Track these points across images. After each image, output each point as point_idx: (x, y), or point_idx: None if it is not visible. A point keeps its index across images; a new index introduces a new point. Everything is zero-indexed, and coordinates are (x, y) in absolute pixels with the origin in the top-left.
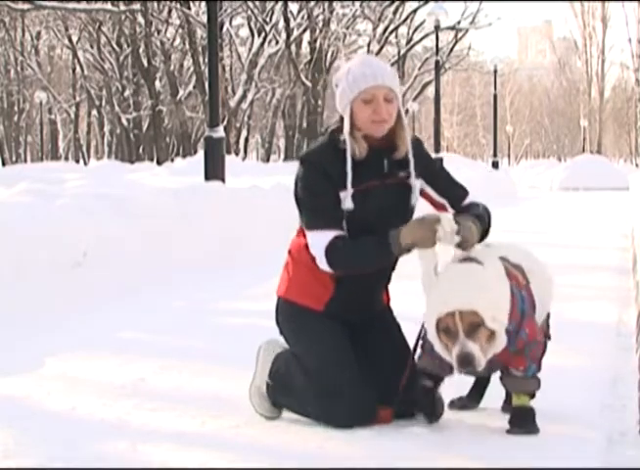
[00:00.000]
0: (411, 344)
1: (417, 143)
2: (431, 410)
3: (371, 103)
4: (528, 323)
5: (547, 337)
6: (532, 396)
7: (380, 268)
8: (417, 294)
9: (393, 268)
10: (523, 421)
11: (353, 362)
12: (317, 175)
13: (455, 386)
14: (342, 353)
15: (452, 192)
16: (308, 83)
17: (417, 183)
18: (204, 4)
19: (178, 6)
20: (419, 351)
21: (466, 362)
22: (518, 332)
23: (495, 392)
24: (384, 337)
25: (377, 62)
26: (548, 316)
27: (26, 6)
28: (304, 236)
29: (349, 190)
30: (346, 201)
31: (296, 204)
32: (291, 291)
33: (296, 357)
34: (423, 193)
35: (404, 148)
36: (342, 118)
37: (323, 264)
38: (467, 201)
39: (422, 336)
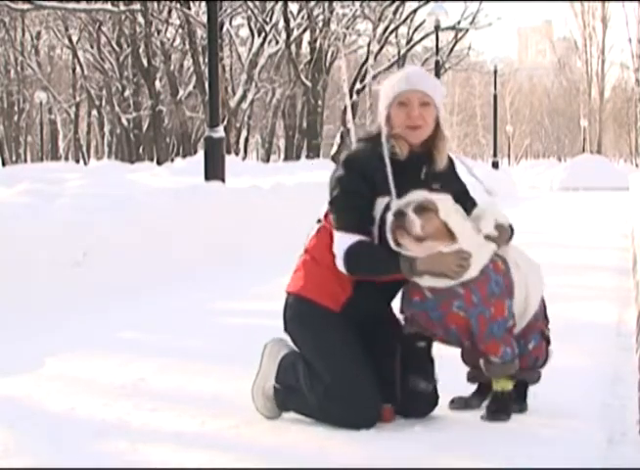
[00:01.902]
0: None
1: (450, 161)
2: (427, 372)
3: (406, 106)
4: (496, 304)
5: (545, 335)
6: (512, 377)
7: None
8: None
9: None
10: (498, 406)
11: (368, 373)
12: (357, 178)
13: (456, 385)
14: (358, 364)
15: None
16: (308, 83)
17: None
18: (204, 4)
19: (178, 6)
20: (402, 320)
21: (399, 217)
22: (482, 308)
23: None
24: (388, 335)
25: (417, 69)
26: (547, 318)
27: (26, 6)
28: (329, 236)
29: (394, 193)
30: (378, 208)
31: (329, 204)
32: (307, 288)
33: (304, 362)
34: None
35: (441, 161)
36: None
37: (340, 266)
38: None
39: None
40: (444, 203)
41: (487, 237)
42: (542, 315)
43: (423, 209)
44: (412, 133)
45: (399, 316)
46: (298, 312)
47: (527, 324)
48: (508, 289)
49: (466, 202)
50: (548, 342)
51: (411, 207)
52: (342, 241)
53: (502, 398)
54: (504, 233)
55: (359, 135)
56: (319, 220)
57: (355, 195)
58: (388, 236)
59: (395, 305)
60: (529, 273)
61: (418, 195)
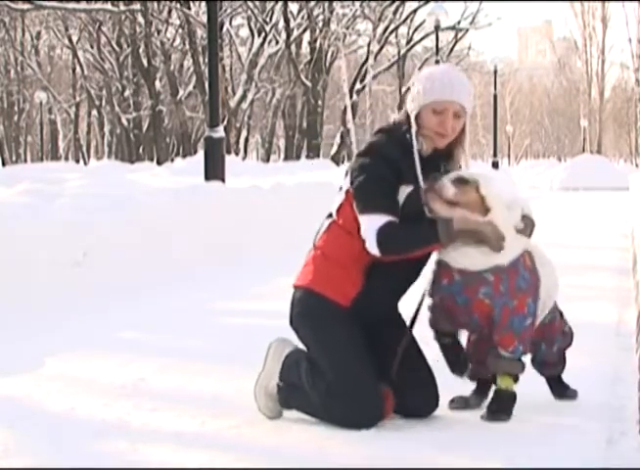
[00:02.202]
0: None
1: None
2: (457, 365)
3: (440, 114)
4: (521, 297)
5: (570, 331)
6: (516, 379)
7: (410, 272)
8: (418, 293)
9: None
10: (499, 406)
11: (372, 371)
12: (384, 164)
13: (456, 385)
14: (362, 362)
15: None
16: (308, 83)
17: None
18: (204, 4)
19: (178, 6)
20: (429, 314)
21: (432, 181)
22: (507, 299)
23: None
24: (395, 334)
25: (459, 76)
26: (561, 314)
27: (26, 6)
28: (340, 231)
29: (421, 182)
30: (401, 196)
31: (353, 190)
32: (316, 282)
33: (308, 360)
34: None
35: (459, 162)
36: (407, 116)
37: (372, 248)
38: None
39: (426, 294)
40: (488, 180)
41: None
42: (559, 314)
43: (462, 181)
44: (439, 140)
45: (427, 301)
46: (306, 306)
47: (550, 324)
48: (534, 286)
49: None
50: (571, 339)
51: (450, 177)
52: (372, 223)
53: (504, 397)
54: (529, 225)
55: (381, 126)
56: (330, 215)
57: (381, 180)
58: (424, 201)
59: (407, 303)
60: (550, 272)
61: (463, 171)
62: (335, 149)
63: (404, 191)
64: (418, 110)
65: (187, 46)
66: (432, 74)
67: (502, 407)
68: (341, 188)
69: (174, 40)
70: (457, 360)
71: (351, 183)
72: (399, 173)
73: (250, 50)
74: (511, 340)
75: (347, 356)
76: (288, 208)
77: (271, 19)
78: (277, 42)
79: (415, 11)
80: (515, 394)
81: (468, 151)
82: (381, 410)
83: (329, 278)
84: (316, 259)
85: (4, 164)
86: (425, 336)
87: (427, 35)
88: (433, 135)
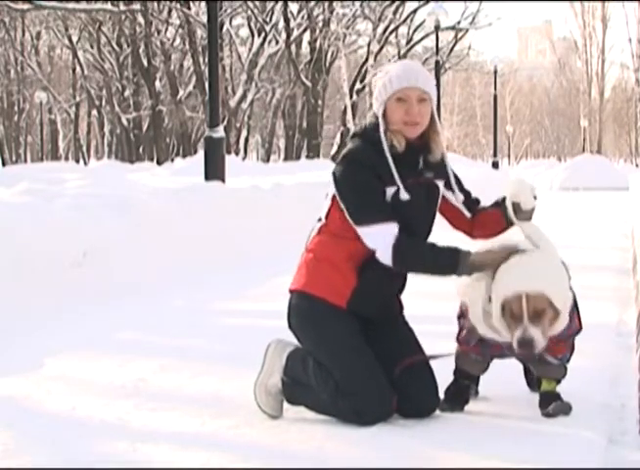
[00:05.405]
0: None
1: (442, 154)
2: (454, 402)
3: (404, 102)
4: (577, 314)
5: None
6: (558, 382)
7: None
8: (422, 294)
9: None
10: (556, 405)
11: (378, 365)
12: (367, 172)
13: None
14: (368, 358)
15: (470, 197)
16: (308, 83)
17: (441, 185)
18: (204, 4)
19: (178, 6)
20: (456, 347)
21: (526, 346)
22: (572, 320)
23: (495, 393)
24: (396, 337)
25: (415, 65)
26: None
27: (26, 6)
28: (330, 234)
29: (399, 183)
30: (401, 192)
31: (342, 202)
32: (310, 284)
33: (313, 358)
34: (442, 197)
35: (439, 152)
36: (377, 117)
37: (386, 258)
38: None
39: (460, 328)
40: (554, 285)
41: (528, 212)
42: None
43: (538, 314)
44: (409, 129)
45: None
46: (302, 309)
47: None
48: None
49: (462, 189)
50: None
51: (526, 319)
52: (382, 232)
53: (554, 397)
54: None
55: (355, 130)
56: (320, 219)
57: (369, 187)
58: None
59: (407, 310)
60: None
61: (515, 288)
62: (335, 149)
63: (389, 193)
64: (383, 106)
65: (187, 46)
66: (389, 70)
67: (558, 405)
68: (327, 194)
69: (174, 40)
70: (459, 400)
71: (338, 193)
72: (380, 177)
73: (250, 50)
74: (563, 349)
75: (351, 354)
76: (288, 208)
77: (271, 19)
78: (277, 42)
79: (415, 11)
80: (559, 394)
81: (443, 139)
82: (391, 404)
83: (322, 279)
84: (308, 262)
85: (4, 164)
86: (420, 333)
87: (427, 35)
88: (402, 126)
